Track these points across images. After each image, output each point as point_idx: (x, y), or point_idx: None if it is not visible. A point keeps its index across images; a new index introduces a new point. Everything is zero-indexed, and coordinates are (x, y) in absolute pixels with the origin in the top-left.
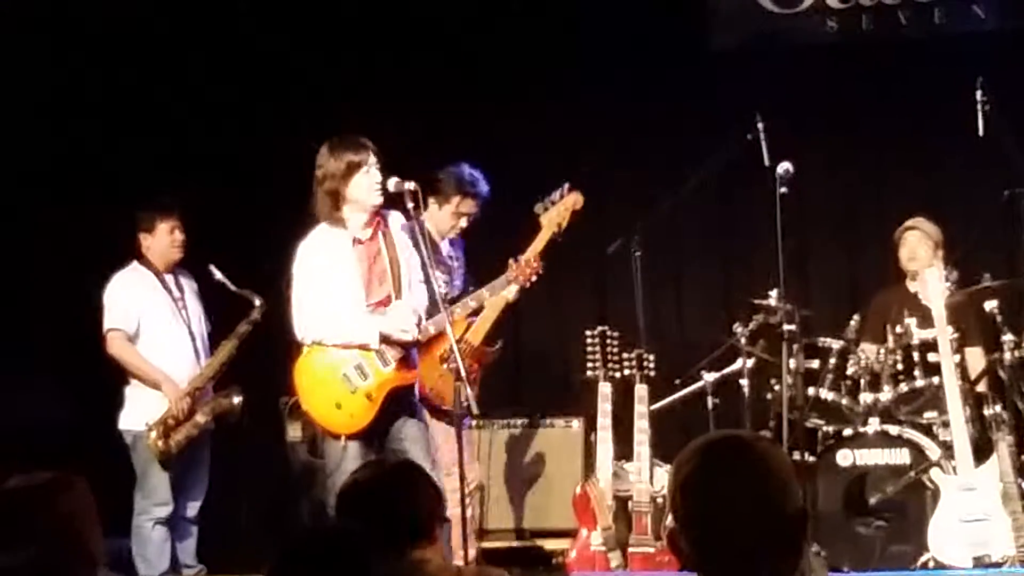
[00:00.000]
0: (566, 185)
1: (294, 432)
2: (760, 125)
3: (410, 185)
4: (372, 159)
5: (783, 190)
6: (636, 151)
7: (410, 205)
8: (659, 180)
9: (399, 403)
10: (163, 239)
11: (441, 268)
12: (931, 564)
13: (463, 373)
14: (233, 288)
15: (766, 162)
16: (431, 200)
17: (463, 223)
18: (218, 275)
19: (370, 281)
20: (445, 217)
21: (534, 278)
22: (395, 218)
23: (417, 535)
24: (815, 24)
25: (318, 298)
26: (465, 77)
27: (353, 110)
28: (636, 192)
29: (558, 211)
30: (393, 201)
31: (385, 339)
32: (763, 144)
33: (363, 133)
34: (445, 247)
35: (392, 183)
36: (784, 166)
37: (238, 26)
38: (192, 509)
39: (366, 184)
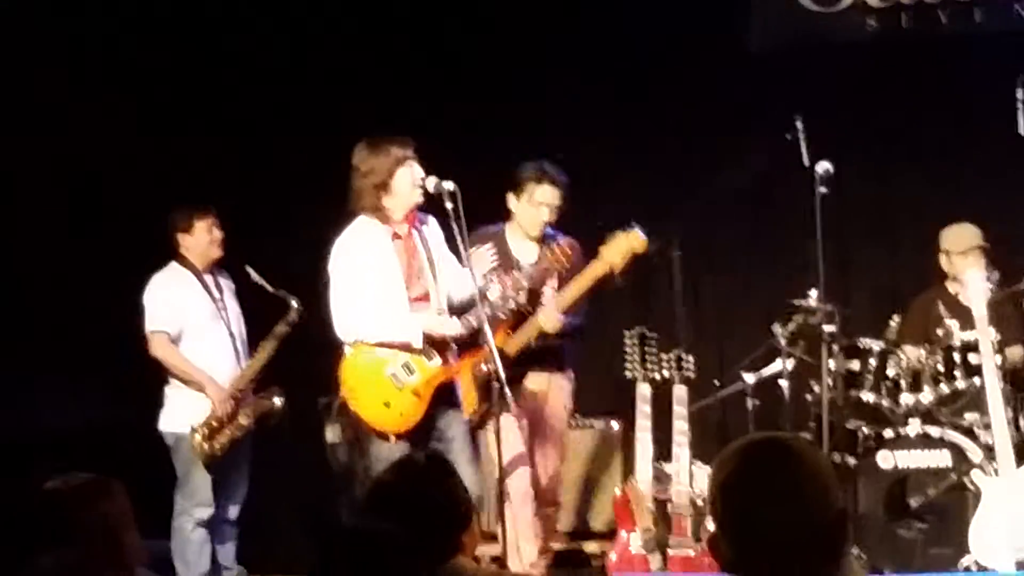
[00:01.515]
0: (636, 227)
1: (333, 434)
2: (799, 125)
3: (449, 185)
4: (414, 155)
5: (823, 190)
6: (674, 151)
7: (449, 205)
8: (698, 181)
9: (443, 399)
10: (201, 237)
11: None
12: (973, 567)
13: (501, 374)
14: (270, 289)
15: (805, 162)
16: (511, 197)
17: (545, 214)
18: (255, 276)
19: (410, 276)
20: (528, 212)
21: (566, 265)
22: (429, 219)
23: (446, 538)
24: (854, 23)
25: (359, 295)
26: (504, 77)
27: (389, 110)
28: (675, 193)
29: (618, 248)
30: (430, 202)
31: (428, 336)
32: (802, 144)
33: (405, 132)
34: (531, 253)
35: (431, 183)
36: (824, 166)
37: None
38: (232, 511)
39: (410, 179)
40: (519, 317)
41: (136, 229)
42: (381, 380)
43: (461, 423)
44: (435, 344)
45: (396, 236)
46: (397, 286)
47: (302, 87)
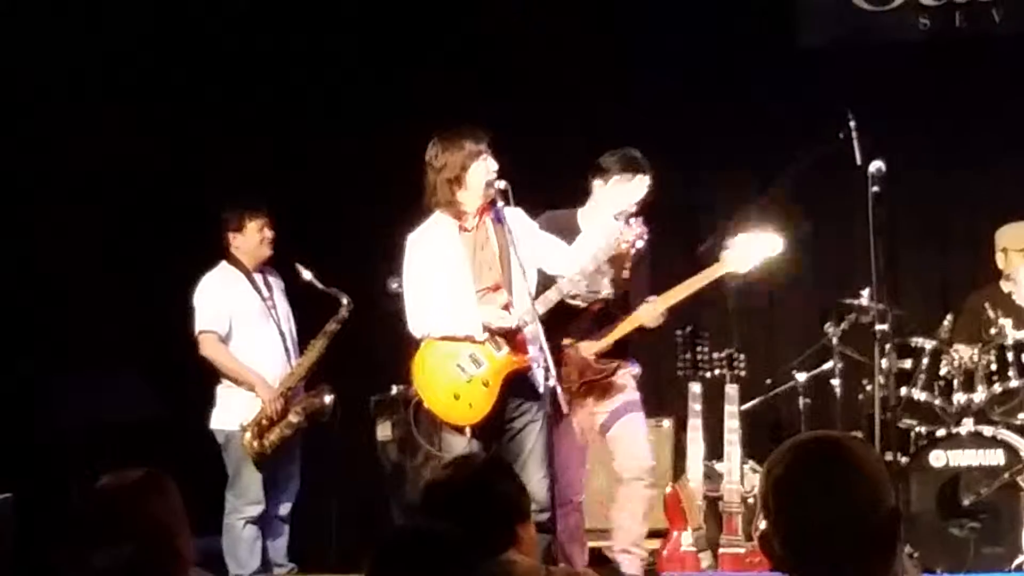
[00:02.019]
0: (772, 232)
1: (384, 431)
2: (852, 123)
3: (501, 184)
4: (487, 149)
5: (875, 189)
6: (726, 150)
7: (500, 204)
8: (749, 179)
9: (516, 391)
10: (253, 237)
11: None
12: None
13: (553, 371)
14: (321, 286)
15: (858, 161)
16: (596, 183)
17: (631, 205)
18: (306, 274)
19: (479, 267)
20: (614, 200)
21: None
22: (508, 210)
23: (500, 535)
24: (907, 21)
25: (427, 291)
26: (549, 77)
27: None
28: (726, 191)
29: (749, 253)
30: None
31: (489, 327)
32: (855, 143)
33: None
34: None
35: None
36: (876, 165)
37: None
38: (283, 508)
39: (483, 172)
40: (602, 315)
41: (190, 228)
42: (449, 373)
43: (534, 417)
44: (504, 335)
45: (464, 229)
46: (463, 279)
47: (357, 86)
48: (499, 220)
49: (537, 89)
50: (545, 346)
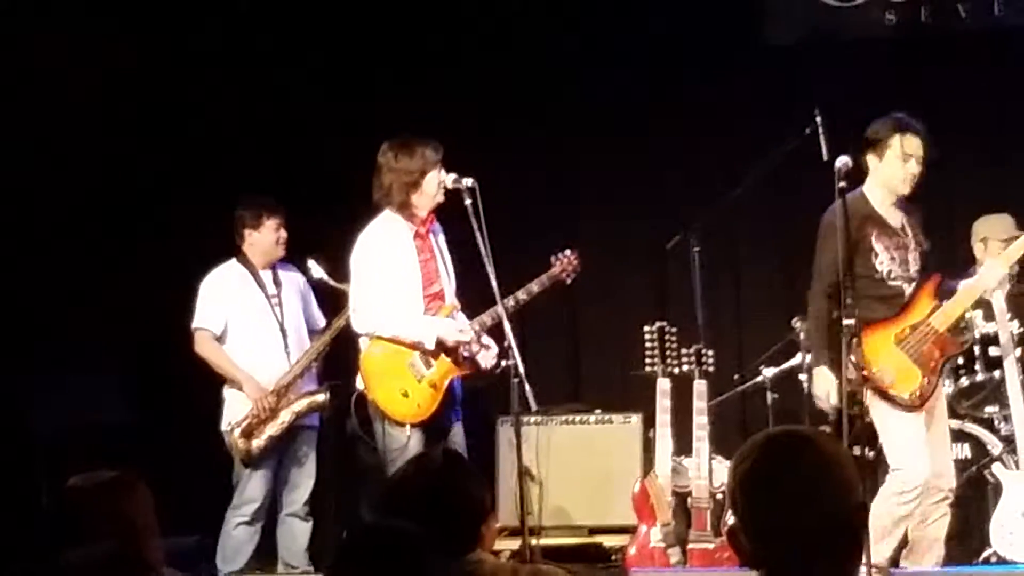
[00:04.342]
0: None
1: (351, 428)
2: (819, 119)
3: (468, 181)
4: (441, 160)
5: (842, 184)
6: (694, 146)
7: (468, 201)
8: (718, 175)
9: (451, 396)
10: (268, 236)
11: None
12: (993, 559)
13: (521, 369)
14: (332, 283)
15: (825, 156)
16: (871, 159)
17: (913, 168)
18: (317, 271)
19: (427, 274)
20: (895, 167)
21: (573, 275)
22: (437, 224)
23: (464, 534)
24: (873, 17)
25: (378, 290)
26: (538, 77)
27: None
28: (695, 187)
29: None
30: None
31: (441, 342)
32: (822, 138)
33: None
34: (896, 216)
35: (450, 179)
36: (843, 160)
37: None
38: (296, 508)
39: (437, 181)
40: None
41: (203, 225)
42: (402, 370)
43: (458, 417)
44: (445, 349)
45: (417, 235)
46: (415, 284)
47: (364, 86)
48: (436, 232)
49: (500, 88)
50: (514, 344)
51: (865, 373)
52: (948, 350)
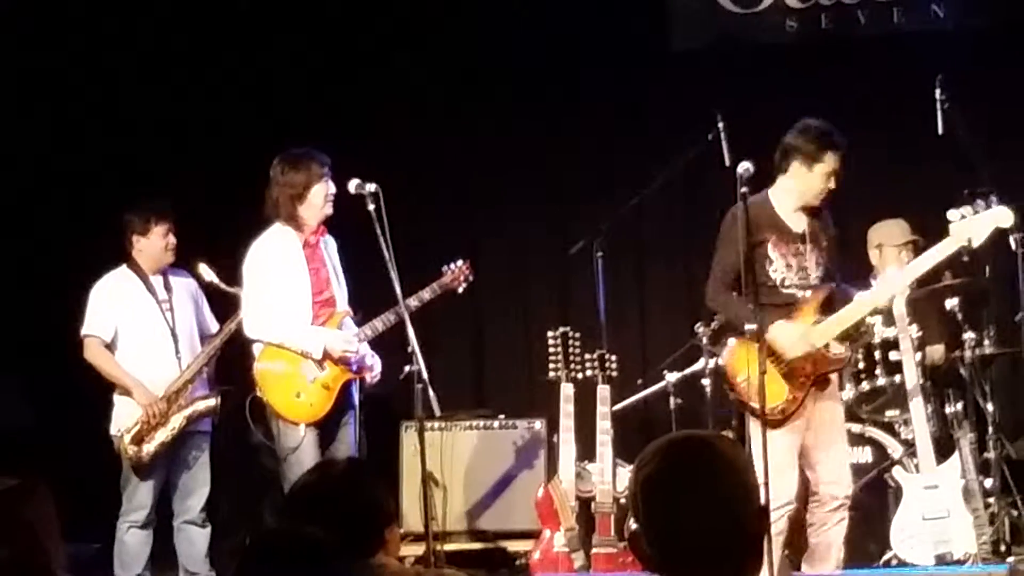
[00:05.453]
0: (999, 204)
1: (256, 430)
2: (720, 124)
3: (371, 187)
4: (329, 172)
5: (744, 190)
6: (598, 151)
7: (371, 206)
8: (621, 181)
9: (346, 398)
10: (156, 243)
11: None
12: (894, 562)
13: (425, 375)
14: (224, 287)
15: (727, 162)
16: (795, 166)
17: (832, 185)
18: (208, 274)
19: (317, 282)
20: (814, 181)
21: (465, 284)
22: (328, 237)
23: (368, 538)
24: (775, 23)
25: (269, 297)
26: (436, 78)
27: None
28: (598, 193)
29: (981, 225)
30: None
31: (328, 354)
32: (724, 144)
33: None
34: (801, 223)
35: (353, 185)
36: (745, 165)
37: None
38: (192, 514)
39: (324, 193)
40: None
41: (97, 229)
42: (294, 372)
43: (350, 419)
44: (332, 359)
45: (307, 245)
46: (304, 292)
47: (260, 89)
48: (328, 243)
49: (400, 91)
50: (417, 349)
51: (731, 383)
52: (821, 367)
